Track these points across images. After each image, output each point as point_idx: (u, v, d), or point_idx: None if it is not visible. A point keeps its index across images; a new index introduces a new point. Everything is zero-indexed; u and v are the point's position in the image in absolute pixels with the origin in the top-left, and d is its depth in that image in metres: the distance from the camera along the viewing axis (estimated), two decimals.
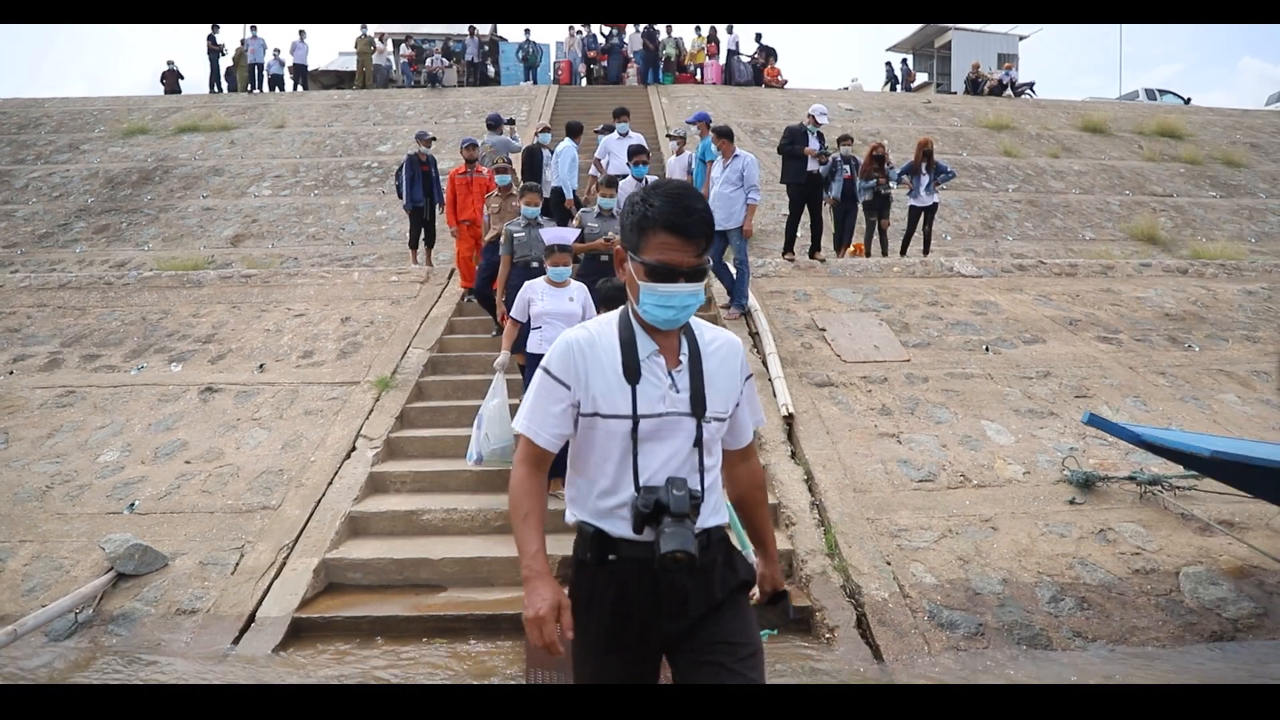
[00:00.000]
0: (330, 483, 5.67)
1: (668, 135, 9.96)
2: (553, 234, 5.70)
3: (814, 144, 8.95)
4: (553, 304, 5.43)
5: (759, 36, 21.00)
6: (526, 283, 5.61)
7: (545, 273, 5.62)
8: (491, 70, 21.18)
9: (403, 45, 20.54)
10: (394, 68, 20.36)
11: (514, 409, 5.13)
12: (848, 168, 10.08)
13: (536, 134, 10.36)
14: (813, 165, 9.00)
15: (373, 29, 20.44)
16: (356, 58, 20.60)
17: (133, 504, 5.49)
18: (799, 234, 9.70)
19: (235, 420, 6.48)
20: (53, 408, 6.73)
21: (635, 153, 8.14)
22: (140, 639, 4.41)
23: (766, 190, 11.98)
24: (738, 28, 21.56)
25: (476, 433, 5.42)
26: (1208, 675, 3.99)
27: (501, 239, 6.60)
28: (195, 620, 4.52)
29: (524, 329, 5.57)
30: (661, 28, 20.71)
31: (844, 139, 10.30)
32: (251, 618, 4.53)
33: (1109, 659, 4.14)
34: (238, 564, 4.93)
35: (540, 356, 4.90)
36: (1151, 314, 8.34)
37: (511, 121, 11.85)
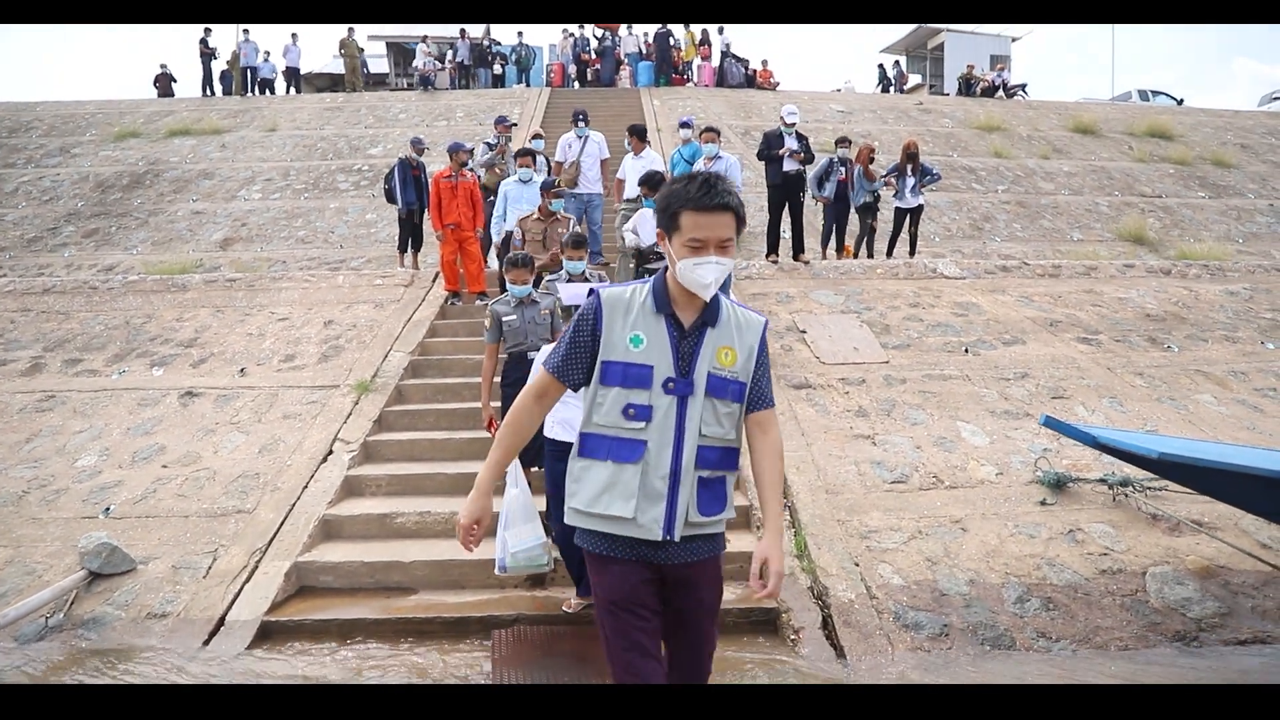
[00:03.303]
0: (305, 486, 5.69)
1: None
2: (572, 292, 4.81)
3: (791, 144, 8.98)
4: None
5: (728, 47, 21.10)
6: (546, 347, 4.63)
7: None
8: (498, 69, 21.11)
9: (450, 51, 20.38)
10: (433, 74, 20.13)
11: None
12: (843, 169, 10.10)
13: (528, 140, 10.34)
14: (790, 166, 9.01)
15: (400, 30, 20.41)
16: (344, 61, 20.64)
17: (108, 508, 5.52)
18: (783, 235, 9.73)
19: (214, 424, 6.50)
20: (32, 412, 6.75)
21: (646, 183, 7.01)
22: (110, 642, 4.42)
23: (756, 193, 12.02)
24: (729, 30, 21.62)
25: (502, 533, 4.40)
26: (1170, 675, 4.01)
27: (487, 322, 5.29)
28: (165, 624, 4.54)
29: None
30: (653, 29, 20.78)
31: (841, 141, 10.33)
32: (221, 621, 4.55)
33: (1072, 659, 4.16)
34: (210, 567, 4.95)
35: (559, 444, 4.20)
36: (1132, 315, 8.36)
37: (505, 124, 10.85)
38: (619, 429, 2.23)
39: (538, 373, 2.35)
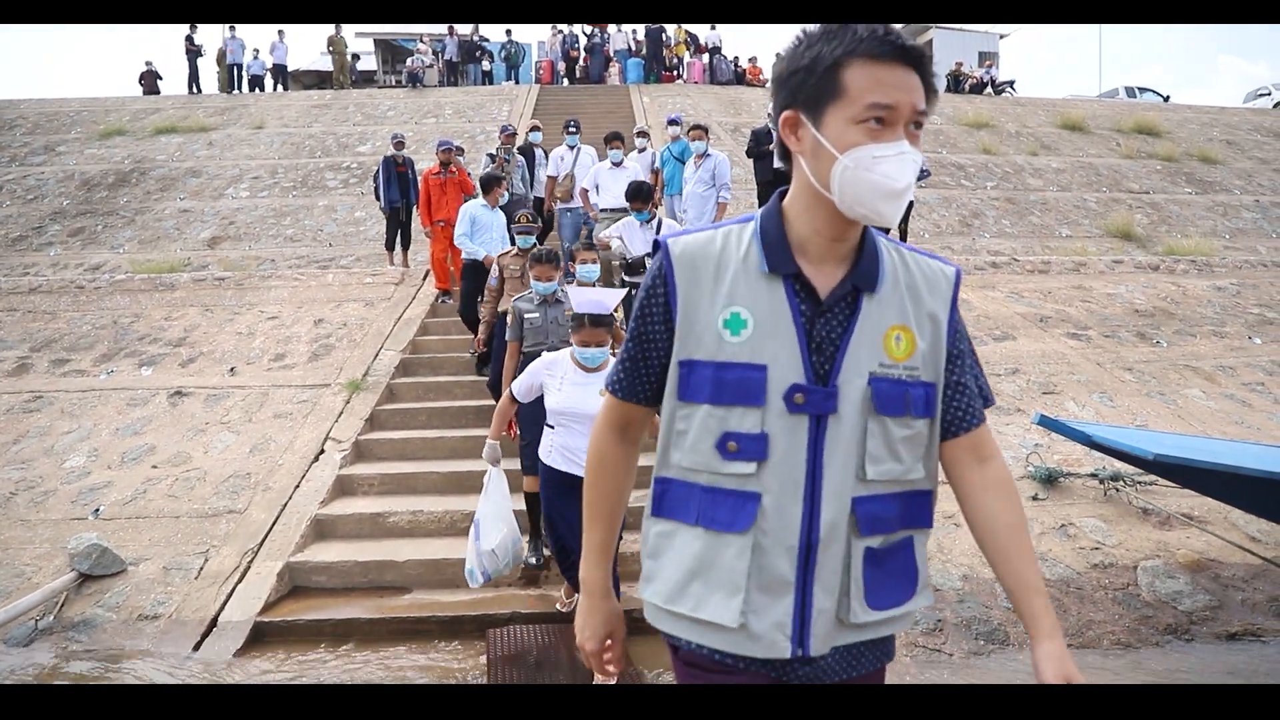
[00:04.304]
0: (297, 486, 5.66)
1: (636, 133, 9.85)
2: (585, 298, 3.76)
3: None
4: (577, 397, 3.70)
5: (715, 45, 21.24)
6: (546, 356, 3.94)
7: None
8: (487, 66, 21.09)
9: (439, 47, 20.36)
10: (422, 70, 19.96)
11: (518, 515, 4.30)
12: None
13: (527, 132, 10.23)
14: (779, 162, 8.99)
15: (389, 27, 20.37)
16: (332, 58, 20.55)
17: (97, 509, 5.47)
18: None
19: (204, 424, 6.46)
20: (19, 413, 6.69)
21: (634, 195, 6.52)
22: (101, 644, 4.39)
23: (745, 190, 12.03)
24: (721, 29, 21.66)
25: (474, 544, 4.09)
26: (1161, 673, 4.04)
27: (509, 318, 4.93)
28: (157, 625, 4.51)
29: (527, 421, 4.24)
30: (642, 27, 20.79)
31: None
32: (214, 622, 4.52)
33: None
34: (202, 568, 4.92)
35: (557, 472, 3.87)
36: (1121, 310, 8.41)
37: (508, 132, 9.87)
38: (713, 474, 1.36)
39: (604, 399, 1.55)
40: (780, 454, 1.32)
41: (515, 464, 4.81)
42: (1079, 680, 1.33)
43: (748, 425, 1.33)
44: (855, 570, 1.35)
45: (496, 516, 4.08)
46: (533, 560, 4.80)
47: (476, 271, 7.18)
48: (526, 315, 4.85)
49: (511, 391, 4.03)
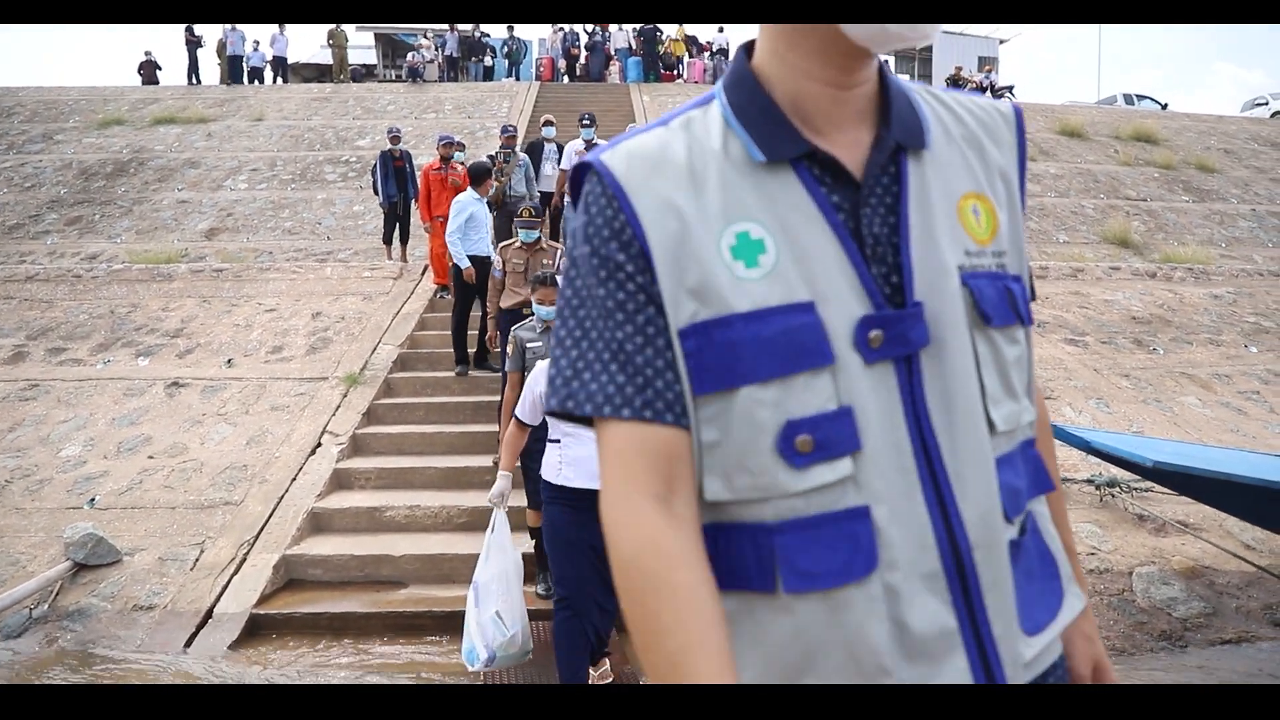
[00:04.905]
0: (294, 479, 5.65)
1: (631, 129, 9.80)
2: None
3: None
4: None
5: (724, 50, 21.33)
6: (540, 364, 3.57)
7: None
8: (489, 61, 21.09)
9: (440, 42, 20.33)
10: (423, 65, 19.88)
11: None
12: None
13: (541, 127, 10.15)
14: None
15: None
16: (332, 52, 20.53)
17: (93, 499, 5.46)
18: None
19: (201, 415, 6.44)
20: (15, 401, 6.66)
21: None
22: (95, 635, 4.38)
23: None
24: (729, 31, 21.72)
25: (474, 613, 3.55)
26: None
27: (509, 348, 4.49)
28: (152, 616, 4.50)
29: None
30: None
31: None
32: (209, 614, 4.52)
33: None
34: (197, 560, 4.91)
35: (563, 489, 3.42)
36: (1118, 317, 8.44)
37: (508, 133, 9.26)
38: (785, 498, 0.83)
39: (614, 446, 0.85)
40: (877, 433, 0.82)
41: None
42: (1112, 677, 1.05)
43: (819, 401, 0.81)
44: (1008, 582, 0.86)
45: (502, 580, 3.55)
46: (541, 591, 4.61)
47: (463, 281, 6.92)
48: (529, 345, 4.34)
49: (517, 418, 3.61)
